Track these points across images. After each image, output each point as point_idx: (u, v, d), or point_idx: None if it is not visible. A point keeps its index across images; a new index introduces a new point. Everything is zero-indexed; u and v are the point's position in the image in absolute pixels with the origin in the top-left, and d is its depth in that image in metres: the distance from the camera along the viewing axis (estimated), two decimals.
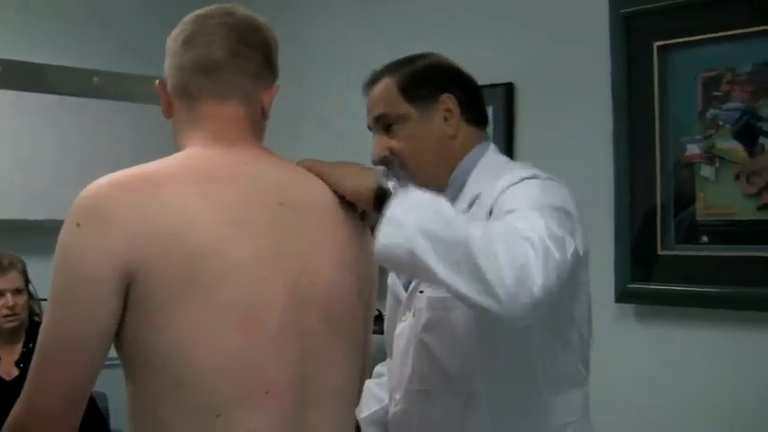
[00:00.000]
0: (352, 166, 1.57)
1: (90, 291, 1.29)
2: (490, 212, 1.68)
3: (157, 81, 1.54)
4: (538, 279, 1.42)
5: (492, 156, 1.91)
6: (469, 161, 1.87)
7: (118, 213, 1.30)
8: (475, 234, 1.43)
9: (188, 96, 1.49)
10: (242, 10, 1.53)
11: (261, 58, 1.52)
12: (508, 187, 1.69)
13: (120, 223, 1.30)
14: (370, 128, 1.90)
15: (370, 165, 1.77)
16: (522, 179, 1.71)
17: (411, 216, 1.44)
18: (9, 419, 1.35)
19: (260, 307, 1.35)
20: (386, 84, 1.86)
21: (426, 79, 1.86)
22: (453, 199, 1.83)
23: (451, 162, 1.87)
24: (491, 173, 1.82)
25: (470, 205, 1.81)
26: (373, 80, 1.89)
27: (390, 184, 1.55)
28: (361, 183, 1.52)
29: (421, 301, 1.79)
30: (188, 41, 1.49)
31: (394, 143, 1.85)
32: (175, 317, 1.29)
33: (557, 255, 1.47)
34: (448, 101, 1.85)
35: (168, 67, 1.52)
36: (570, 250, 1.53)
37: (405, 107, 1.84)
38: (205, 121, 1.48)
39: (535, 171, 1.77)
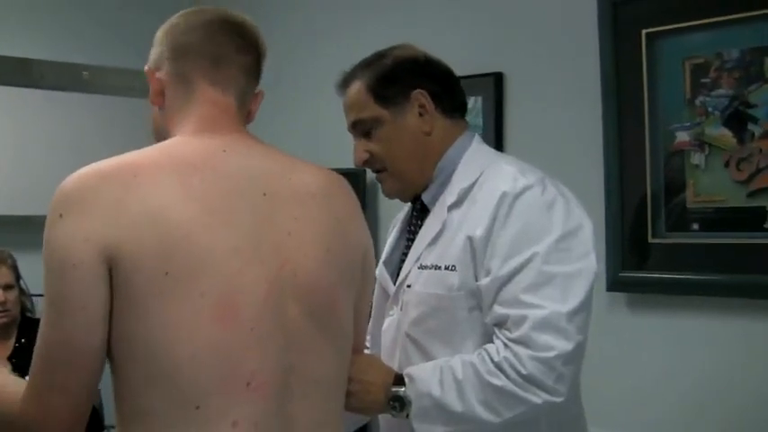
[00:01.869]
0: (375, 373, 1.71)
1: (77, 278, 1.29)
2: (494, 220, 1.72)
3: (147, 67, 1.54)
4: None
5: (477, 147, 1.91)
6: (454, 153, 1.87)
7: (97, 201, 1.30)
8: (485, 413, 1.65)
9: (187, 83, 1.50)
10: (236, 13, 1.55)
11: (254, 60, 1.54)
12: (512, 199, 1.72)
13: (98, 211, 1.30)
14: (348, 130, 1.92)
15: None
16: (524, 189, 1.73)
17: (430, 424, 1.68)
18: (14, 420, 1.35)
19: (239, 297, 1.34)
20: (356, 88, 1.87)
21: (395, 78, 1.86)
22: (439, 192, 1.86)
23: (433, 157, 1.87)
24: (480, 166, 1.83)
25: (460, 198, 1.81)
26: (345, 83, 1.90)
27: (401, 390, 1.69)
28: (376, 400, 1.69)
29: (409, 296, 1.79)
30: (191, 30, 1.51)
31: (372, 146, 1.86)
32: (154, 306, 1.29)
33: (576, 338, 1.68)
34: (420, 96, 1.85)
35: (162, 53, 1.52)
36: (583, 300, 1.72)
37: (377, 110, 1.85)
38: (203, 107, 1.49)
39: (526, 168, 1.81)
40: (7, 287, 3.33)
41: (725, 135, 2.61)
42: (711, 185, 2.64)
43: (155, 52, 1.54)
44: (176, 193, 1.34)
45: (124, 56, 3.83)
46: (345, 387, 1.56)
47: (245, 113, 1.54)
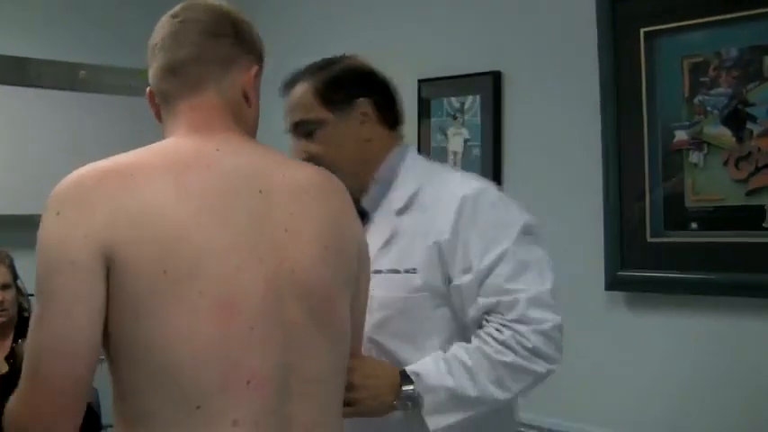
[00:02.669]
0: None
1: (73, 275, 1.28)
2: (458, 222, 1.82)
3: (148, 90, 1.55)
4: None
5: (415, 157, 2.02)
6: (393, 162, 1.96)
7: (94, 201, 1.30)
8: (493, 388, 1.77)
9: (166, 99, 1.51)
10: (207, 2, 1.54)
11: (229, 43, 1.51)
12: (473, 201, 1.85)
13: (96, 211, 1.29)
14: (288, 131, 1.96)
15: None
16: (481, 191, 1.88)
17: (445, 415, 1.77)
18: (7, 419, 1.34)
19: (237, 296, 1.34)
20: (303, 89, 1.92)
21: (343, 84, 1.93)
22: (382, 196, 1.94)
23: (371, 164, 1.95)
24: (420, 175, 1.94)
25: (407, 204, 1.90)
26: (291, 83, 1.95)
27: (411, 389, 1.76)
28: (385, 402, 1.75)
29: (371, 302, 1.79)
30: (157, 47, 1.51)
31: (312, 147, 1.91)
32: (153, 306, 1.29)
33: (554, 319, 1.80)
34: (364, 104, 1.92)
35: (149, 75, 1.54)
36: (553, 280, 1.86)
37: (322, 112, 1.91)
38: (182, 115, 1.49)
39: (467, 175, 2.00)
40: (4, 287, 3.33)
41: (724, 134, 2.61)
42: (710, 184, 2.64)
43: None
44: (172, 193, 1.34)
45: (121, 55, 3.83)
46: (344, 386, 1.55)
47: (234, 101, 1.51)
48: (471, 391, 1.75)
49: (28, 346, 1.32)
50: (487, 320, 1.79)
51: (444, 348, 1.81)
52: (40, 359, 1.30)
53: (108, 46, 4.03)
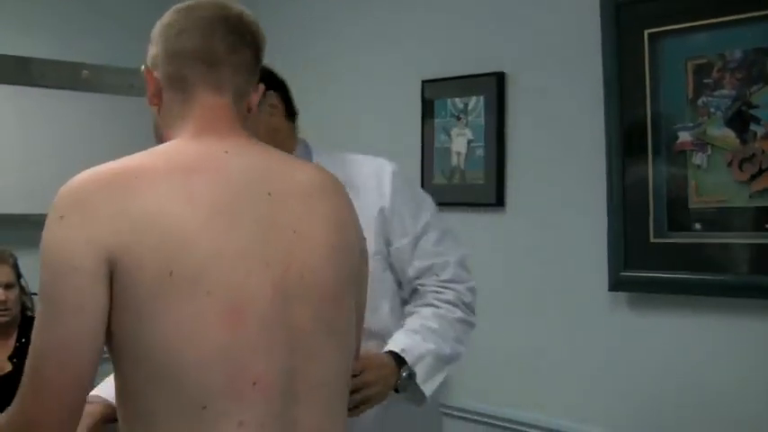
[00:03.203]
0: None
1: (76, 280, 1.28)
2: (394, 193, 2.07)
3: (144, 67, 1.52)
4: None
5: (319, 146, 2.17)
6: (302, 151, 2.11)
7: (98, 204, 1.30)
8: (454, 342, 2.04)
9: (183, 85, 1.48)
10: (234, 4, 1.53)
11: (252, 56, 1.52)
12: (400, 175, 2.12)
13: (100, 214, 1.29)
14: None
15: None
16: (400, 169, 2.13)
17: (435, 378, 1.99)
18: (5, 422, 1.34)
19: (244, 301, 1.33)
20: None
21: None
22: None
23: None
24: (335, 160, 2.05)
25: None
26: None
27: (407, 367, 1.93)
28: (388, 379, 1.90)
29: None
30: (184, 32, 1.48)
31: None
32: (157, 308, 1.28)
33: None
34: (272, 97, 2.05)
35: (158, 55, 1.50)
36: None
37: None
38: (199, 110, 1.47)
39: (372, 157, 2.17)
40: (8, 286, 3.33)
41: (727, 135, 2.61)
42: (714, 186, 2.64)
43: (151, 52, 1.52)
44: (178, 197, 1.33)
45: (124, 54, 3.83)
46: (347, 388, 1.54)
47: (243, 112, 1.52)
48: (446, 350, 1.99)
49: (30, 348, 1.32)
50: (423, 284, 2.06)
51: (393, 310, 2.06)
52: (43, 361, 1.30)
53: (111, 46, 4.02)
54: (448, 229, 2.13)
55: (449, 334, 2.00)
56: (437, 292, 2.04)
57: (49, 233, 1.31)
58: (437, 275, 2.05)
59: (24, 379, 1.32)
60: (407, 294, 2.10)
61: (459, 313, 2.04)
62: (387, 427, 2.00)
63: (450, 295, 2.04)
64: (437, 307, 2.03)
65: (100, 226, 1.29)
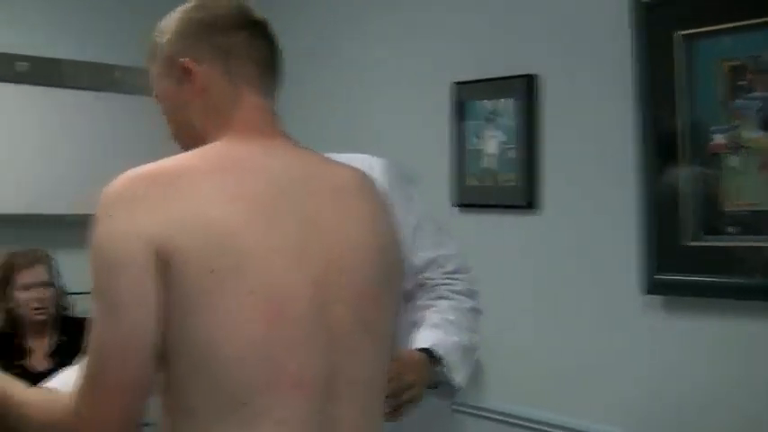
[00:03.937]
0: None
1: (131, 275, 1.30)
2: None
3: (187, 59, 1.50)
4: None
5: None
6: None
7: (144, 202, 1.32)
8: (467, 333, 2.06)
9: (234, 85, 1.50)
10: (254, 10, 1.57)
11: (282, 63, 1.57)
12: (394, 167, 2.09)
13: (147, 210, 1.31)
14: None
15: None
16: (383, 167, 2.06)
17: (464, 369, 2.02)
18: (59, 422, 1.36)
19: (284, 299, 1.35)
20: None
21: None
22: None
23: None
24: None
25: None
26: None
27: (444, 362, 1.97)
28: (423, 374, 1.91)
29: None
30: (231, 31, 1.50)
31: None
32: (201, 304, 1.30)
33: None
34: None
35: (200, 48, 1.50)
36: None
37: None
38: (248, 111, 1.49)
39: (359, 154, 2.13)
40: (44, 285, 3.37)
41: (761, 138, 2.60)
42: (747, 188, 2.62)
43: (179, 43, 1.52)
44: (221, 195, 1.35)
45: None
46: (385, 387, 1.55)
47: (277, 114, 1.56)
48: (468, 342, 2.03)
49: (90, 346, 1.33)
50: (431, 278, 2.06)
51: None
52: (104, 361, 1.32)
53: (142, 47, 4.04)
54: (439, 222, 2.16)
55: (466, 324, 2.05)
56: (447, 284, 2.07)
57: (100, 232, 1.33)
58: (442, 267, 2.07)
59: (81, 381, 1.34)
60: (411, 287, 2.06)
61: (470, 303, 2.08)
62: (403, 424, 2.01)
63: (459, 286, 2.07)
64: (451, 299, 2.06)
65: (148, 222, 1.31)
